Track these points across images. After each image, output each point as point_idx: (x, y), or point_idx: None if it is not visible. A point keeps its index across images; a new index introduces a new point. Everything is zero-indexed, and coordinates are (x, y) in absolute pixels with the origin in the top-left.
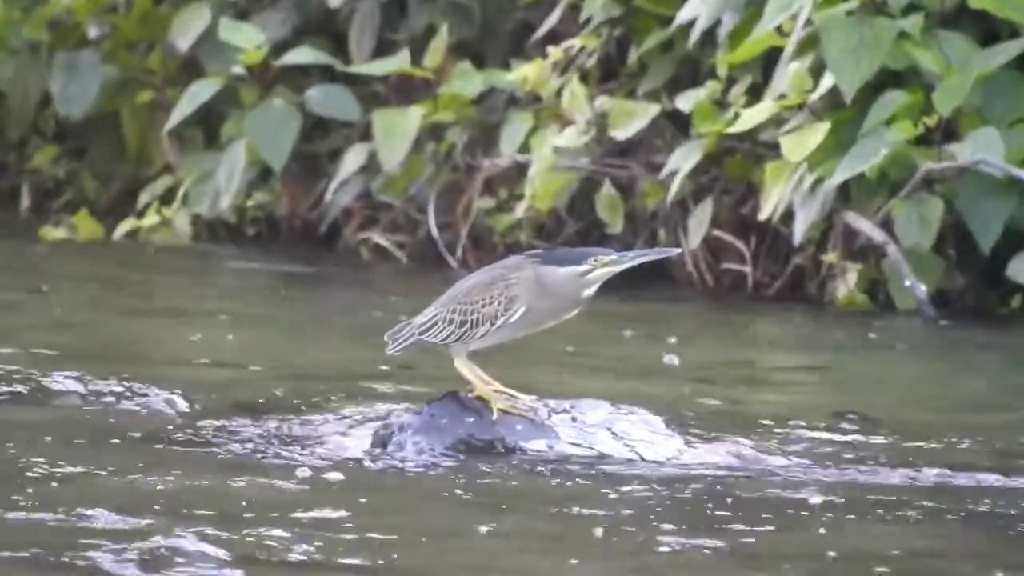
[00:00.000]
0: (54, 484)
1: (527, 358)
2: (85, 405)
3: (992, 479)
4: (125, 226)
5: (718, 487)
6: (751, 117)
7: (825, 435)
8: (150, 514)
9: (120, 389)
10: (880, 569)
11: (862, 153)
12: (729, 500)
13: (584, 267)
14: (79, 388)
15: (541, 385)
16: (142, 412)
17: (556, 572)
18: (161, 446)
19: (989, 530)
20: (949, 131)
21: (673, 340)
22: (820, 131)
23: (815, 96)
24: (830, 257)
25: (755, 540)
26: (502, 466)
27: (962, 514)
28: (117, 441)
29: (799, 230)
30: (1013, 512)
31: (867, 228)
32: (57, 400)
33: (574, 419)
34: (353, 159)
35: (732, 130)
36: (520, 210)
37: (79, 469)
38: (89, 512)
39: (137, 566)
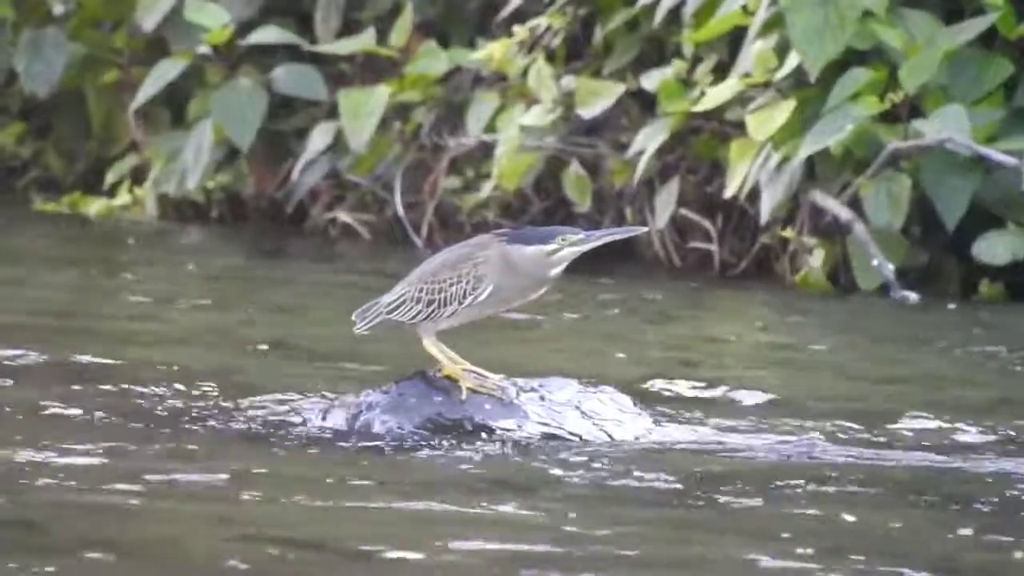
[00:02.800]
0: (27, 465)
1: (495, 336)
2: (48, 382)
3: (959, 461)
4: (97, 205)
5: (686, 466)
6: (716, 95)
7: (791, 414)
8: (118, 491)
9: (91, 368)
10: (847, 546)
11: (827, 129)
12: (697, 479)
13: (551, 246)
14: (41, 364)
15: (509, 363)
16: (110, 391)
17: (523, 551)
18: (125, 425)
19: (951, 510)
20: (913, 109)
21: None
22: (786, 109)
23: (780, 75)
24: (790, 234)
25: (720, 518)
26: (470, 445)
27: (926, 495)
28: (89, 419)
29: (765, 209)
30: (983, 493)
31: (834, 207)
32: (23, 377)
33: (543, 398)
34: (320, 138)
35: (698, 109)
36: (487, 189)
37: (49, 448)
38: (68, 488)
39: (110, 542)
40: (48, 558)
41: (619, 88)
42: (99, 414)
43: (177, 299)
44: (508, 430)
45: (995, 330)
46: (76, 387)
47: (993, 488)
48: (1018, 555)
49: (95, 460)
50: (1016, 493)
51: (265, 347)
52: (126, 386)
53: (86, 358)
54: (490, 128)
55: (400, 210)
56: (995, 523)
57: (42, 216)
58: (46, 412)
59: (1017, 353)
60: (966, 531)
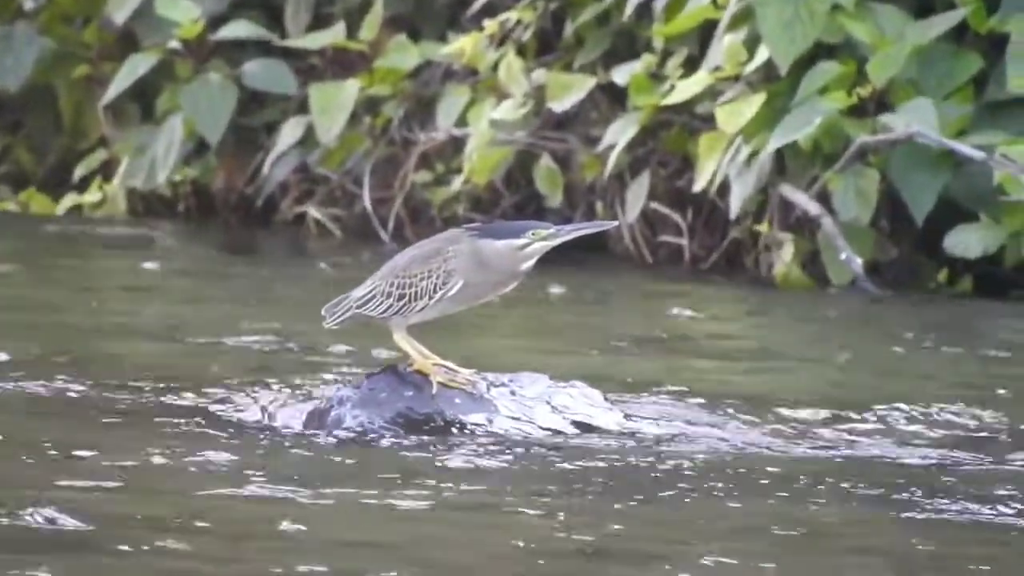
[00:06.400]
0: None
1: (466, 331)
2: (21, 380)
3: (920, 455)
4: (68, 202)
5: (656, 460)
6: (686, 89)
7: (761, 408)
8: (86, 488)
9: (57, 362)
10: (815, 540)
11: (796, 122)
12: (666, 473)
13: (522, 240)
14: (15, 363)
15: (480, 358)
16: (76, 387)
17: (493, 546)
18: (92, 420)
19: (914, 505)
20: (882, 103)
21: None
22: (755, 102)
23: (750, 68)
24: (764, 228)
25: (690, 512)
26: (441, 440)
27: (894, 489)
28: (58, 415)
29: (735, 203)
30: (944, 485)
31: (802, 201)
32: None
33: (513, 393)
34: (290, 132)
35: (667, 102)
36: (457, 183)
37: (15, 443)
38: (34, 482)
39: (81, 533)
40: (17, 553)
41: (590, 82)
42: (67, 408)
43: (145, 293)
44: (478, 425)
45: (961, 323)
46: (47, 382)
47: (963, 482)
48: (988, 550)
49: (65, 455)
50: (967, 486)
51: (234, 342)
52: (92, 381)
53: (53, 353)
54: (460, 122)
55: (368, 205)
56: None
57: (6, 210)
58: (14, 406)
59: (981, 346)
60: (947, 526)
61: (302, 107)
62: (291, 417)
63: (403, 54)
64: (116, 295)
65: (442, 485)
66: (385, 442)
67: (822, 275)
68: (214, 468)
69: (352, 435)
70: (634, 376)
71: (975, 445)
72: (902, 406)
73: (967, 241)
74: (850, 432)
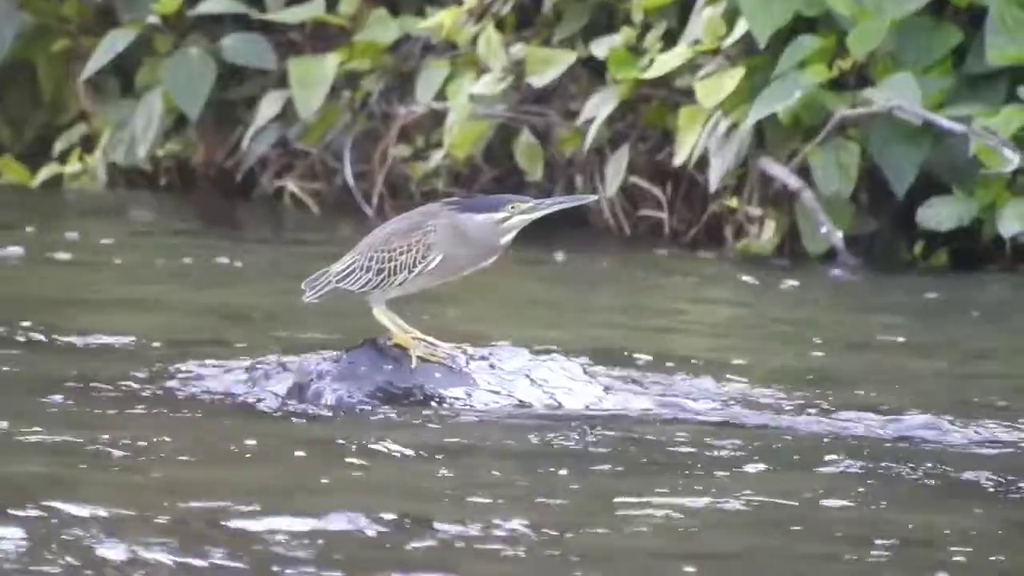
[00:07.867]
0: None
1: (445, 305)
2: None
3: (911, 427)
4: (45, 172)
5: (635, 433)
6: (665, 62)
7: (742, 382)
8: (63, 461)
9: (45, 336)
10: (794, 516)
11: (775, 95)
12: (645, 447)
13: (501, 214)
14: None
15: (459, 332)
16: (64, 359)
17: (469, 519)
18: (70, 393)
19: (900, 478)
20: (862, 76)
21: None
22: (734, 76)
23: (729, 42)
24: (733, 202)
25: (670, 486)
26: (420, 413)
27: (878, 462)
28: (44, 387)
29: (715, 177)
30: (936, 461)
31: (782, 174)
32: None
33: (492, 366)
34: (269, 107)
35: (647, 75)
36: (437, 158)
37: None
38: (17, 457)
39: (61, 508)
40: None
41: (570, 56)
42: (45, 382)
43: (125, 267)
44: (458, 398)
45: (939, 297)
46: (26, 354)
47: (940, 458)
48: (965, 522)
49: (45, 429)
50: (948, 462)
51: (214, 316)
52: (72, 354)
53: (33, 325)
54: (440, 96)
55: (350, 179)
56: (949, 492)
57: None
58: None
59: (958, 318)
60: (927, 502)
61: (281, 81)
62: (270, 391)
63: (382, 28)
64: (93, 267)
65: (419, 459)
66: (364, 416)
67: (797, 248)
68: (189, 441)
69: (332, 409)
70: (613, 349)
71: (962, 418)
72: (886, 380)
73: (940, 214)
74: (835, 406)
